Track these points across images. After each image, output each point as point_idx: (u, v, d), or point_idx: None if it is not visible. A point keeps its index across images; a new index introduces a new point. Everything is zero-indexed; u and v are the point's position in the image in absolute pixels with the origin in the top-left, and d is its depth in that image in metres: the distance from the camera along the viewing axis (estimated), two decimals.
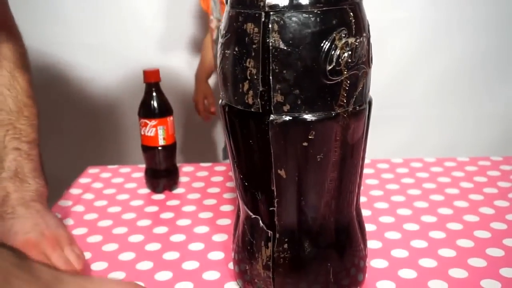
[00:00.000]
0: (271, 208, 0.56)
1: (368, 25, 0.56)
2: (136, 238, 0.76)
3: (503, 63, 1.58)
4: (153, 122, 0.88)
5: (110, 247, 0.74)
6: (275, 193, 0.55)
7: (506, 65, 1.58)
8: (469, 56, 1.56)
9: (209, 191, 0.91)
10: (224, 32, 0.55)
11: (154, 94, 0.88)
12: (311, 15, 0.51)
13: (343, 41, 0.52)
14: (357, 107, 0.55)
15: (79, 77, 1.45)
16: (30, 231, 0.66)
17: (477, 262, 0.67)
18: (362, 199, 0.85)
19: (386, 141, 1.45)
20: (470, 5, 1.48)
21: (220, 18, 0.69)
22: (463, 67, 1.57)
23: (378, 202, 0.85)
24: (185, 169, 1.00)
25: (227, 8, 0.55)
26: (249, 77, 0.53)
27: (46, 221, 0.69)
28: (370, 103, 0.58)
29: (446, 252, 0.69)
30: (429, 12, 1.44)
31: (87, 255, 0.71)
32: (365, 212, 0.80)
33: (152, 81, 0.88)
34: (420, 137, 1.65)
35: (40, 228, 0.67)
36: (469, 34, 1.53)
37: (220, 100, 0.59)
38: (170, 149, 0.90)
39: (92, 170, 1.02)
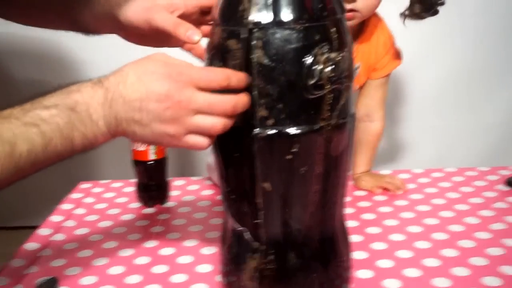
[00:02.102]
0: (256, 221, 0.57)
1: (351, 40, 0.58)
2: (126, 252, 0.77)
3: (498, 73, 1.60)
4: None
5: (100, 261, 0.74)
6: (260, 206, 0.56)
7: (500, 75, 1.60)
8: (464, 67, 1.57)
9: (199, 205, 0.92)
10: (210, 48, 0.57)
11: None
12: (293, 31, 0.52)
13: (325, 56, 0.53)
14: (340, 120, 0.56)
15: None
16: None
17: (461, 272, 0.68)
18: (350, 210, 0.86)
19: (379, 152, 1.46)
20: (467, 15, 1.50)
21: None
22: (458, 78, 1.59)
23: (365, 214, 0.86)
24: (176, 183, 1.01)
25: (215, 24, 0.57)
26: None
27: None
28: (353, 116, 0.59)
29: (431, 262, 0.70)
30: (423, 23, 1.46)
31: (77, 269, 0.72)
32: (352, 223, 0.81)
33: None
34: (414, 147, 1.66)
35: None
36: (464, 46, 1.55)
37: None
38: (161, 163, 0.91)
39: (84, 185, 1.03)
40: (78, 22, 0.75)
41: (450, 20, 1.42)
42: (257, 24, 0.52)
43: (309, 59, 0.53)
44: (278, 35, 0.52)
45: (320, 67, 0.53)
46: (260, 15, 0.52)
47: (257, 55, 0.52)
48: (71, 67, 1.51)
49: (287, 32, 0.52)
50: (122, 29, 0.73)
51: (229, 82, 0.52)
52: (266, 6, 0.52)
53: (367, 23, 0.92)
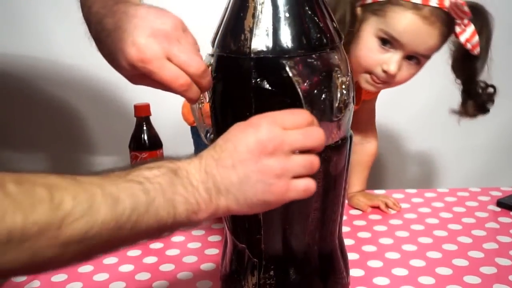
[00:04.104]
0: (257, 236, 0.59)
1: (351, 67, 0.60)
2: (126, 268, 0.78)
3: None
4: (143, 155, 0.91)
5: (101, 276, 0.75)
6: (261, 222, 0.58)
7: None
8: (453, 90, 1.60)
9: (193, 234, 0.92)
10: (214, 74, 0.59)
11: (144, 128, 0.91)
12: (294, 60, 0.54)
13: (340, 80, 0.56)
14: (339, 141, 0.58)
15: (71, 110, 1.48)
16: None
17: None
18: (346, 229, 0.88)
19: (372, 174, 1.48)
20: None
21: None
22: (447, 100, 1.62)
23: (361, 232, 0.87)
24: None
25: (216, 51, 0.58)
26: (236, 115, 0.56)
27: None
28: (350, 137, 0.61)
29: (426, 280, 0.72)
30: None
31: (76, 283, 0.73)
32: (349, 242, 0.83)
33: (142, 115, 0.91)
34: (405, 169, 1.69)
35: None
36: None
37: (211, 136, 0.62)
38: None
39: None
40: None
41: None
42: (259, 53, 0.54)
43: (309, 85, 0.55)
44: (278, 63, 0.54)
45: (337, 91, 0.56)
46: (261, 44, 0.54)
47: (258, 81, 0.54)
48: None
49: (286, 60, 0.54)
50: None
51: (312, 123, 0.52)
52: (267, 35, 0.54)
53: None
